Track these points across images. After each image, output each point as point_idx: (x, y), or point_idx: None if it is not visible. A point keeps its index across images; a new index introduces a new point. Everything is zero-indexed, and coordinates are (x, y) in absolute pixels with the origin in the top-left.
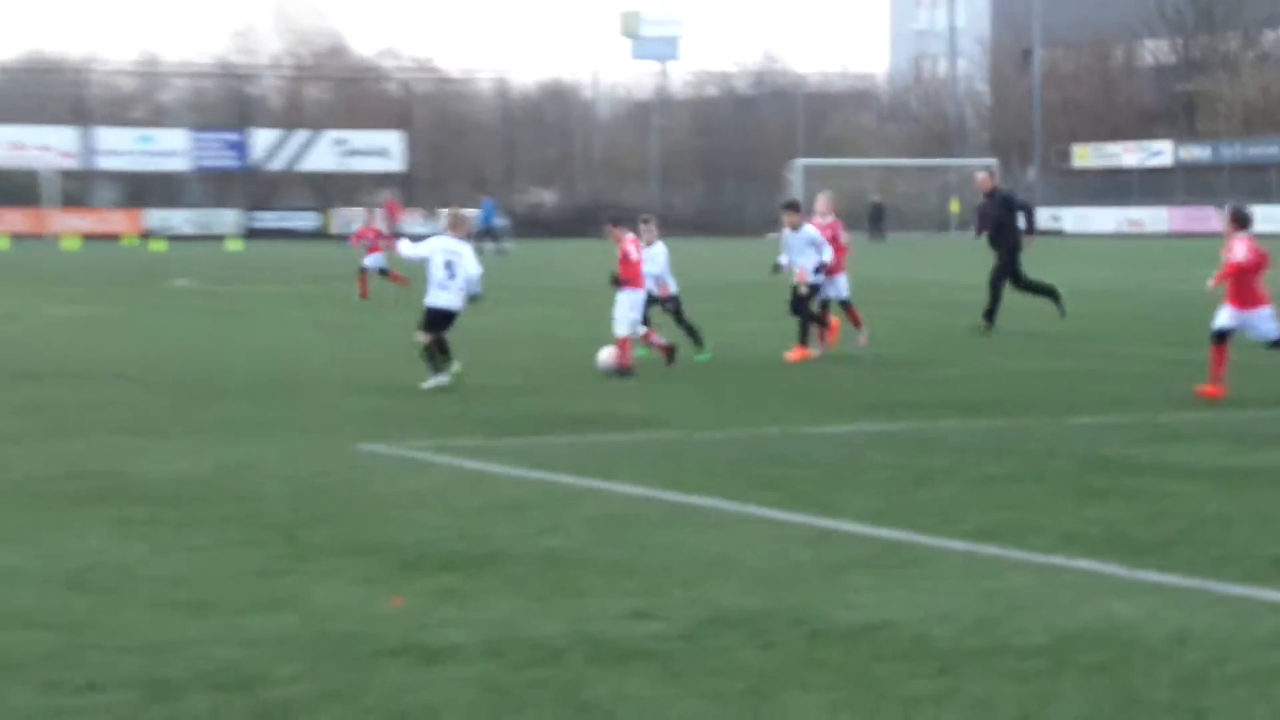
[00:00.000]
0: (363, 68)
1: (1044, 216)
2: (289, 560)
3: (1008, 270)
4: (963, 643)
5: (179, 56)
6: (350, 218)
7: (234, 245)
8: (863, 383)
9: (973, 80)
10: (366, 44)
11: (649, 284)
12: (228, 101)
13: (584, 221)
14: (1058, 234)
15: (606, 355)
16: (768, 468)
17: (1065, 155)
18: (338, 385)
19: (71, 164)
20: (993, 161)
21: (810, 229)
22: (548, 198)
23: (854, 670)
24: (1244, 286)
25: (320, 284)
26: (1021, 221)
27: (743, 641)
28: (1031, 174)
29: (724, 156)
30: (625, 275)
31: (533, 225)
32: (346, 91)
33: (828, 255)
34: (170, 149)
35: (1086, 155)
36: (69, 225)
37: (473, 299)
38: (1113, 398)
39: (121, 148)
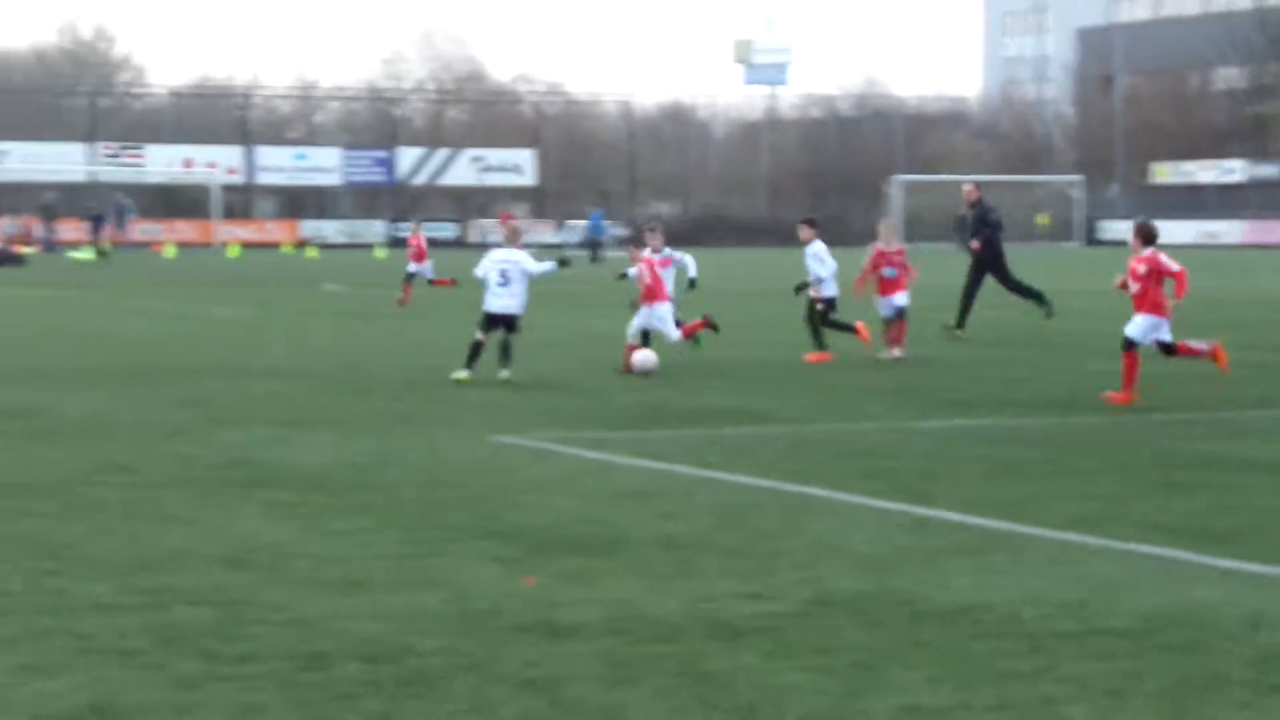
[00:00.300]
0: (499, 91)
1: (1125, 228)
2: (429, 542)
3: (988, 274)
4: (1053, 624)
5: (332, 81)
6: (486, 228)
7: (380, 253)
8: (956, 381)
9: (1059, 103)
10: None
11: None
12: (376, 122)
13: (700, 231)
14: None
15: (642, 359)
16: (870, 460)
17: (1145, 173)
18: (473, 381)
19: (235, 179)
20: (1078, 178)
21: (816, 245)
22: (665, 210)
23: (952, 648)
24: (1155, 295)
25: (456, 288)
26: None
27: (849, 620)
28: (1114, 190)
29: (828, 173)
30: (644, 295)
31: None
32: (484, 113)
33: (825, 272)
34: (324, 165)
35: (1165, 173)
36: (232, 235)
37: (563, 264)
38: (1190, 396)
39: (279, 164)
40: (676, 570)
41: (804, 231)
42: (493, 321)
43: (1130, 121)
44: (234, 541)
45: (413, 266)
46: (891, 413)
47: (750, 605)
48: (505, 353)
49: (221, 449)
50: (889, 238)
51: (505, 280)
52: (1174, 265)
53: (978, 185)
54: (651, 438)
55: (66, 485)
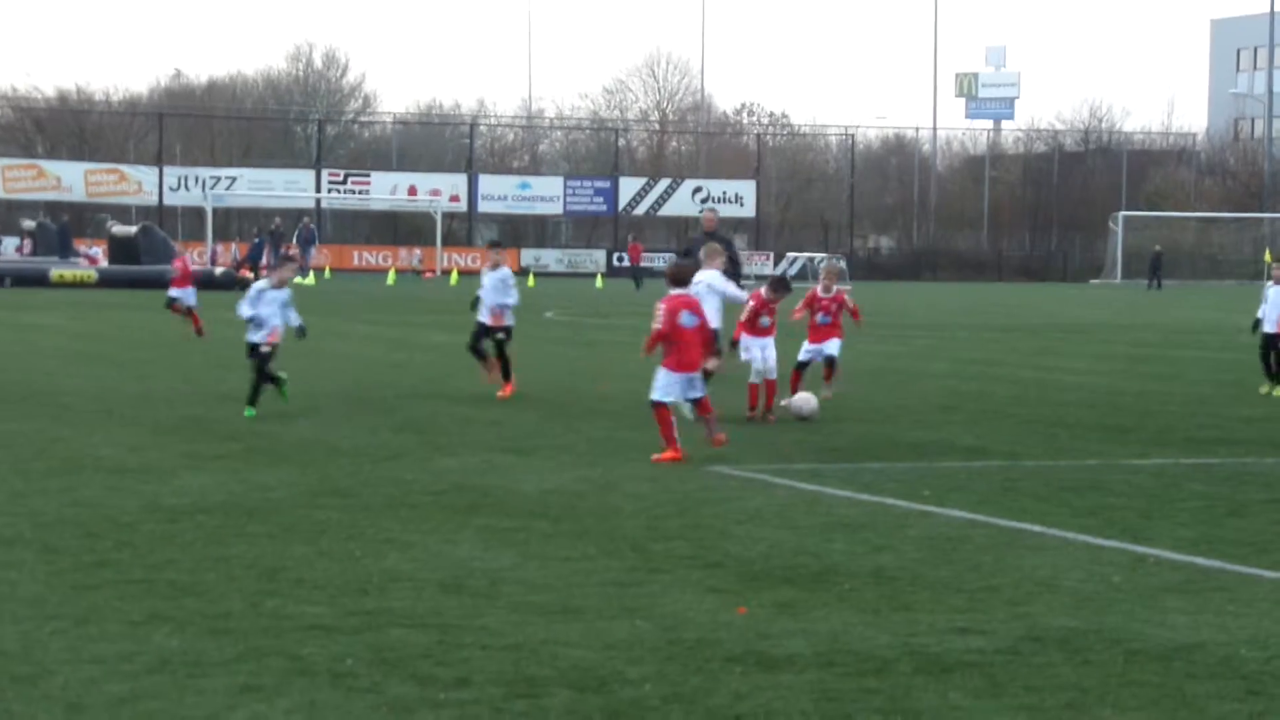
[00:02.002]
0: (722, 122)
1: None
2: (643, 571)
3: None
4: (1272, 665)
5: (556, 110)
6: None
7: (600, 283)
8: (1179, 418)
9: None
10: (726, 99)
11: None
12: (598, 151)
13: (919, 266)
14: None
15: (800, 402)
16: (1087, 496)
17: None
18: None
19: (458, 207)
20: None
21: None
22: (884, 243)
23: (1167, 688)
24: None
25: None
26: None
27: (1062, 658)
28: None
29: (1050, 208)
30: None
31: (871, 268)
32: (706, 143)
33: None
34: (545, 194)
35: None
36: (453, 262)
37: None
38: None
39: (502, 193)
40: (887, 603)
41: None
42: None
43: None
44: (450, 566)
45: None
46: (1111, 449)
47: (960, 640)
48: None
49: (439, 474)
50: (828, 282)
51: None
52: None
53: (715, 213)
54: (864, 470)
55: (287, 508)
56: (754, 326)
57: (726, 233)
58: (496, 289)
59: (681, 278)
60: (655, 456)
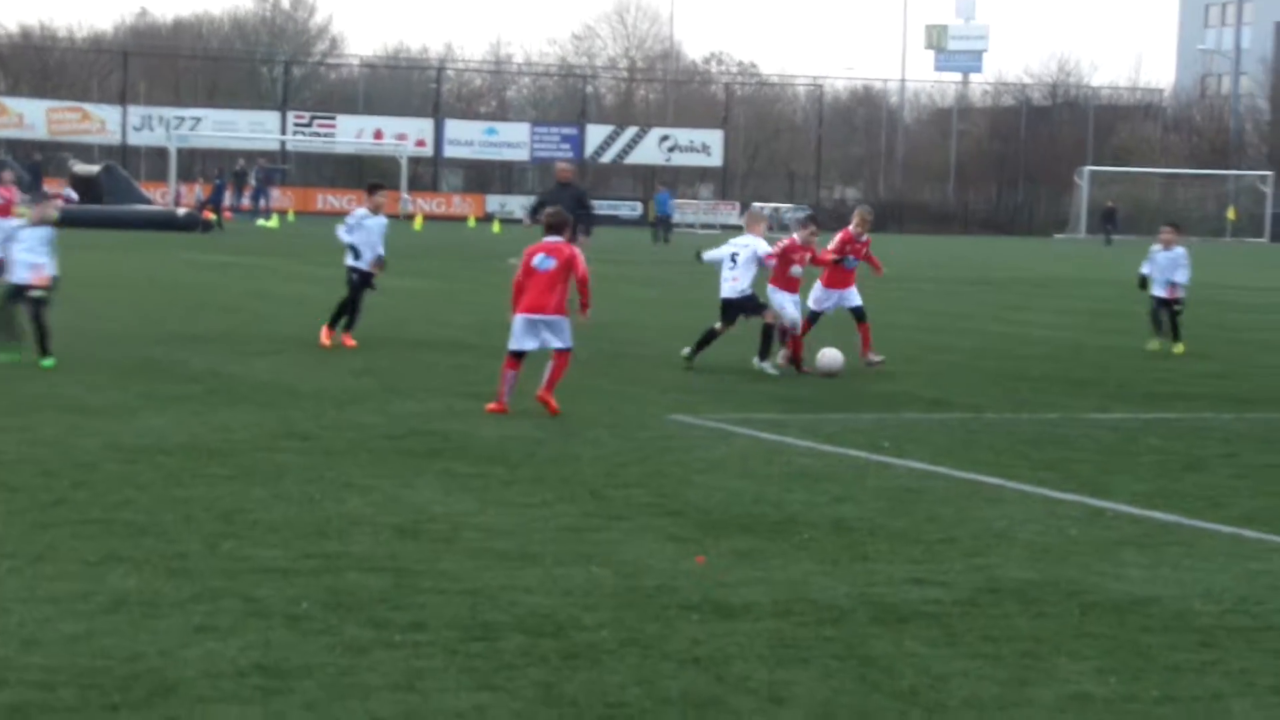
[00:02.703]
0: (690, 70)
1: None
2: (601, 518)
3: None
4: (1225, 619)
5: (524, 56)
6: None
7: None
8: (1139, 374)
9: (1254, 97)
10: (695, 48)
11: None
12: (566, 99)
13: (884, 217)
14: None
15: (827, 359)
16: (1047, 450)
17: None
18: (652, 358)
19: (424, 152)
20: (1269, 173)
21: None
22: (850, 194)
23: (1121, 640)
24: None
25: (640, 266)
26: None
27: (1018, 609)
28: None
29: (1017, 161)
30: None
31: (838, 220)
32: (674, 92)
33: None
34: (512, 141)
35: None
36: (418, 207)
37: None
38: None
39: (469, 138)
40: (845, 553)
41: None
42: (726, 308)
43: None
44: (409, 511)
45: None
46: (1071, 403)
47: (918, 591)
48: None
49: (399, 419)
50: (860, 229)
51: (734, 264)
52: None
53: (570, 165)
54: (825, 421)
55: (246, 450)
56: (785, 278)
57: (583, 183)
58: (381, 235)
59: (555, 225)
60: (488, 406)
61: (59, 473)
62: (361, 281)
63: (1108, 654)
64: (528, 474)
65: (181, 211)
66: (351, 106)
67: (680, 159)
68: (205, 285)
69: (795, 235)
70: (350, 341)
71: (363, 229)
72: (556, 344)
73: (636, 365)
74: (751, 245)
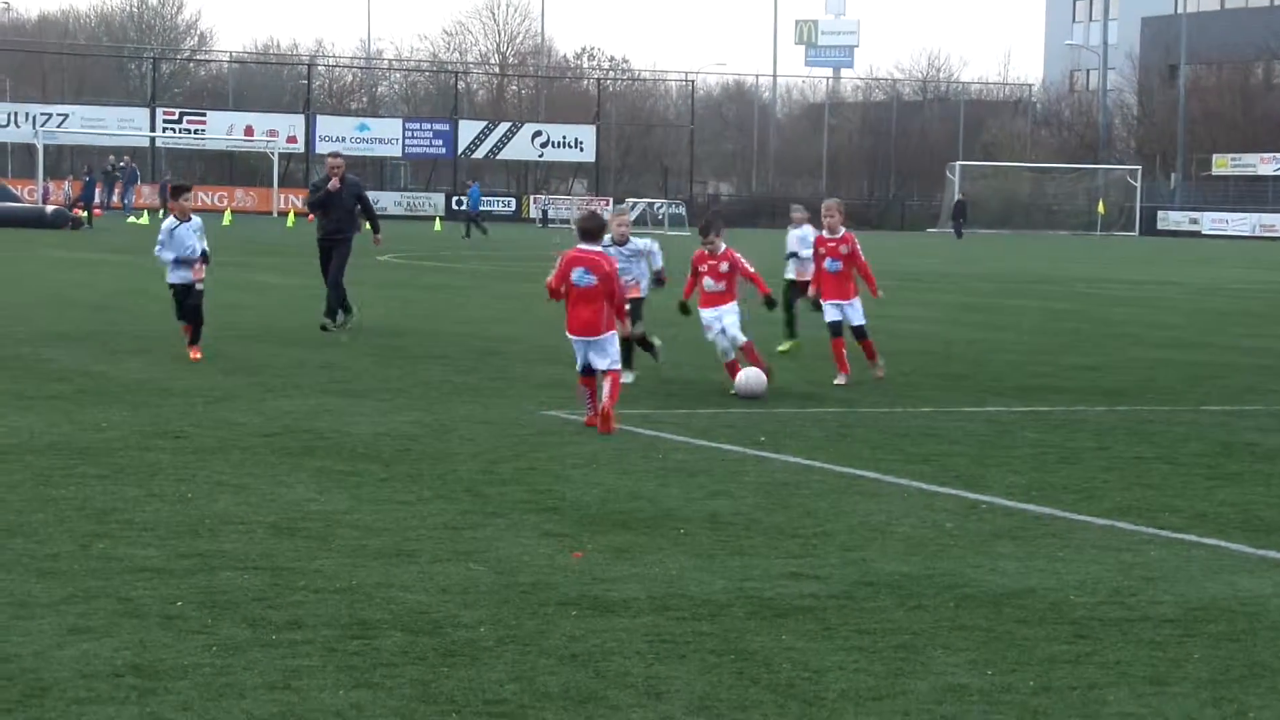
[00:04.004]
0: (562, 66)
1: (1183, 219)
2: (478, 515)
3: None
4: (1099, 610)
5: (395, 52)
6: (545, 203)
7: (439, 226)
8: (1011, 368)
9: (1122, 92)
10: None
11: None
12: (437, 94)
13: (758, 212)
14: (1194, 235)
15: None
16: (922, 443)
17: (1206, 164)
18: (526, 354)
19: (295, 148)
20: (1137, 168)
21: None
22: (724, 189)
23: (997, 632)
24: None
25: (514, 263)
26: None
27: (894, 603)
28: (1174, 180)
29: (888, 156)
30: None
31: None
32: (546, 88)
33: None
34: (384, 136)
35: (1225, 164)
36: (289, 203)
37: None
38: (1244, 387)
39: (340, 134)
40: (722, 548)
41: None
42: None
43: (1192, 111)
44: (284, 509)
45: None
46: (946, 397)
47: (795, 585)
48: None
49: (272, 416)
50: (833, 220)
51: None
52: None
53: (340, 159)
54: (700, 415)
55: (118, 449)
56: (704, 295)
57: (364, 181)
58: (199, 236)
59: (592, 230)
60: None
61: None
62: (185, 291)
63: (983, 646)
64: (403, 471)
65: (50, 209)
66: (222, 103)
67: (553, 154)
68: (74, 283)
69: (824, 231)
70: (196, 354)
71: (175, 240)
72: (602, 365)
73: (506, 362)
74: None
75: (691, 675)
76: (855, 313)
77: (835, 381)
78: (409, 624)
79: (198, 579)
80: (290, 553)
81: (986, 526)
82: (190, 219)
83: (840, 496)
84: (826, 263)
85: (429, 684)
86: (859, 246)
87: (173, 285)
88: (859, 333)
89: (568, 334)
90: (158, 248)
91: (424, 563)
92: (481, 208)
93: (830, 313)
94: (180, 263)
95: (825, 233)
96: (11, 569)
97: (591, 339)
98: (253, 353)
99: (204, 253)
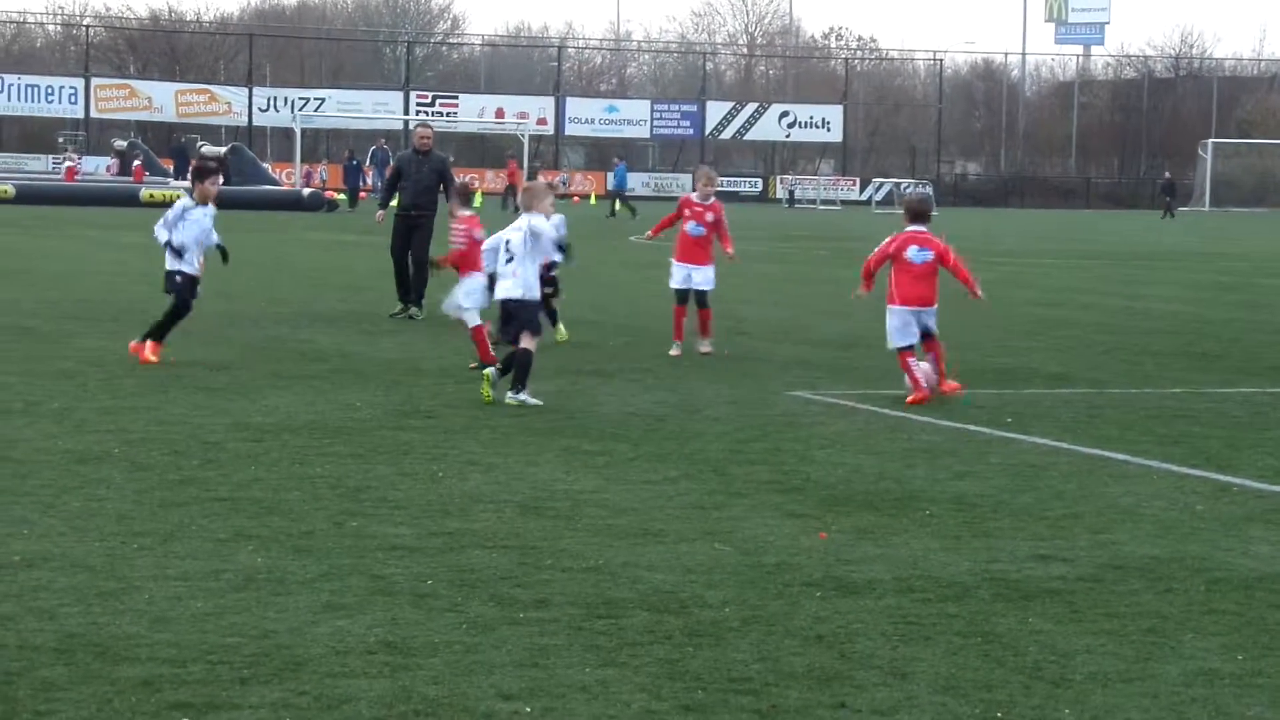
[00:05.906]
0: (810, 46)
1: None
2: (723, 495)
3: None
4: None
5: (644, 34)
6: (792, 183)
7: None
8: (1268, 347)
9: None
10: (815, 24)
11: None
12: (685, 75)
13: (1006, 192)
14: None
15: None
16: (1172, 425)
17: None
18: (772, 334)
19: (545, 130)
20: None
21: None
22: (972, 169)
23: (1249, 616)
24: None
25: (763, 243)
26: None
27: (1143, 586)
28: None
29: (1139, 134)
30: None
31: (959, 194)
32: (794, 68)
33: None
34: (633, 118)
35: None
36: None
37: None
38: None
39: (589, 116)
40: (968, 530)
41: None
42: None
43: None
44: (532, 489)
45: None
46: (1196, 378)
47: (1041, 568)
48: None
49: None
50: (707, 190)
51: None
52: None
53: (430, 130)
54: (947, 397)
55: (371, 428)
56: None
57: (447, 151)
58: (211, 228)
59: (921, 213)
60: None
61: (187, 452)
62: (188, 286)
63: (1234, 630)
64: (650, 451)
65: (307, 191)
66: (473, 85)
67: (800, 135)
68: (331, 265)
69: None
70: (148, 355)
71: (186, 224)
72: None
73: (753, 342)
74: (524, 229)
75: (937, 657)
76: (705, 279)
77: (670, 352)
78: (655, 603)
79: (448, 557)
80: (538, 532)
81: (1238, 509)
82: (208, 205)
83: (1088, 478)
84: (689, 225)
85: (675, 663)
86: (725, 218)
87: (181, 274)
88: (700, 300)
89: (896, 305)
90: (161, 226)
91: (670, 542)
92: (628, 188)
93: (678, 276)
94: (187, 252)
95: (695, 197)
96: (269, 546)
97: (925, 309)
98: None
99: (220, 247)
